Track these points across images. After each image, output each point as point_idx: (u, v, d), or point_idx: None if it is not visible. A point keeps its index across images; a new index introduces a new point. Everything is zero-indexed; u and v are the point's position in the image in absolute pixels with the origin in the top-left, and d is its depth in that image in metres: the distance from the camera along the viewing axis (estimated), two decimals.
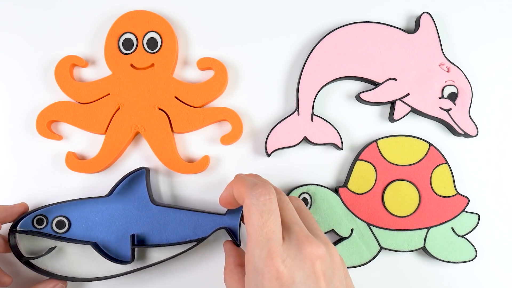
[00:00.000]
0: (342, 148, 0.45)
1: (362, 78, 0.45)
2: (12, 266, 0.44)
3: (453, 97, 0.44)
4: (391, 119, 0.45)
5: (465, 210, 0.45)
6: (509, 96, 0.47)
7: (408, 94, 0.44)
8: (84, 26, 0.46)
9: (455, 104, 0.44)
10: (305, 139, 0.44)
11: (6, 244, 0.41)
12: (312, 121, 0.44)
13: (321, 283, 0.31)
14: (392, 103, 0.45)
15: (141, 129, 0.44)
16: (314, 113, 0.45)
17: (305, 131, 0.44)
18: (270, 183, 0.36)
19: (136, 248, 0.42)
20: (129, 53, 0.44)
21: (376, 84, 0.45)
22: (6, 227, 0.43)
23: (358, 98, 0.45)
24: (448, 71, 0.45)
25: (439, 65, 0.45)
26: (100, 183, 0.44)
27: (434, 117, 0.45)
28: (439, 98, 0.44)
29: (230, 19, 0.46)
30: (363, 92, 0.44)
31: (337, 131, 0.44)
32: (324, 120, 0.44)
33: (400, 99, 0.44)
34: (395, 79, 0.44)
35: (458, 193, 0.45)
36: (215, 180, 0.45)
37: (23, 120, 0.45)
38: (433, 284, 0.45)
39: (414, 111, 0.45)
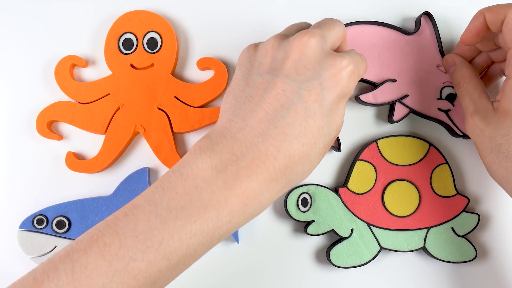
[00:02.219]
0: (340, 150, 0.45)
1: (360, 79, 0.45)
2: (13, 266, 0.44)
3: (451, 98, 0.45)
4: (391, 120, 0.45)
5: (465, 210, 0.45)
6: None
7: (407, 96, 0.44)
8: (84, 26, 0.46)
9: (453, 105, 0.45)
10: None
11: None
12: None
13: None
14: (391, 105, 0.45)
15: (141, 129, 0.44)
16: None
17: None
18: None
19: None
20: (129, 53, 0.44)
21: (374, 85, 0.45)
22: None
23: (357, 99, 0.45)
24: (446, 73, 0.45)
25: (437, 66, 0.45)
26: (100, 183, 0.44)
27: (432, 118, 0.45)
28: (437, 99, 0.45)
29: (230, 19, 0.46)
30: (362, 93, 0.44)
31: None
32: None
33: (398, 100, 0.44)
34: (394, 80, 0.44)
35: (458, 193, 0.45)
36: None
37: (23, 120, 0.45)
38: (433, 284, 0.46)
39: (413, 112, 0.45)
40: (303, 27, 0.37)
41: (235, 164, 0.31)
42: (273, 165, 0.32)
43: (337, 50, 0.37)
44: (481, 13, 0.39)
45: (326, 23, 0.35)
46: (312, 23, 0.46)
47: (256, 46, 0.36)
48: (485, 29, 0.40)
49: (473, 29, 0.40)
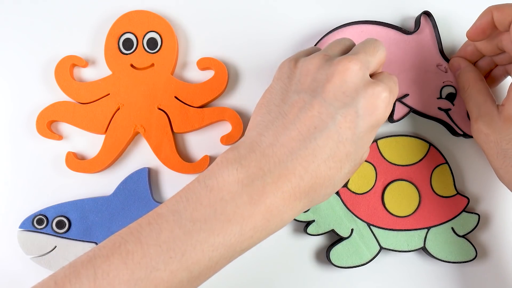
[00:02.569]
0: None
1: None
2: (13, 266, 0.44)
3: (451, 97, 0.45)
4: (391, 119, 0.45)
5: (465, 210, 0.45)
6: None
7: (407, 95, 0.44)
8: (84, 26, 0.46)
9: (453, 105, 0.45)
10: None
11: None
12: None
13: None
14: None
15: (141, 129, 0.44)
16: None
17: None
18: None
19: None
20: (129, 53, 0.44)
21: None
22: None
23: None
24: (446, 72, 0.45)
25: (437, 65, 0.45)
26: (100, 183, 0.44)
27: (433, 117, 0.45)
28: (437, 98, 0.45)
29: (230, 19, 0.46)
30: None
31: None
32: None
33: (398, 99, 0.44)
34: None
35: (458, 193, 0.45)
36: None
37: (23, 120, 0.45)
38: (433, 284, 0.45)
39: (413, 111, 0.45)
40: (346, 46, 0.37)
41: (261, 179, 0.31)
42: (298, 184, 0.32)
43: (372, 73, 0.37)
44: (489, 11, 0.39)
45: (371, 47, 0.35)
46: (313, 23, 0.47)
47: (296, 61, 0.36)
48: (492, 27, 0.39)
49: (479, 26, 0.40)
